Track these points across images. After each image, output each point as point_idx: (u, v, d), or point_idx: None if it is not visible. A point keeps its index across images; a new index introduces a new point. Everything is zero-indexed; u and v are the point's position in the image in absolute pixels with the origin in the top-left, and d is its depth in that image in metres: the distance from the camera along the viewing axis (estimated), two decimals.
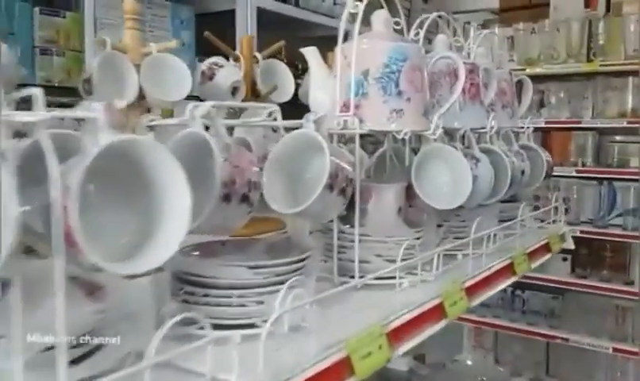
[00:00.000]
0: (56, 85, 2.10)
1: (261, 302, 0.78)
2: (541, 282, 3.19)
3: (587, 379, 3.14)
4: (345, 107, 1.02)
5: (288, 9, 2.66)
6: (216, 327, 0.78)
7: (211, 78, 1.48)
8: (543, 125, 3.26)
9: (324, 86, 1.06)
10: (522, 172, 1.41)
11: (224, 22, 2.36)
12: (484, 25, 3.73)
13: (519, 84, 1.65)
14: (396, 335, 0.85)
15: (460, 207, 1.22)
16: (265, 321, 0.77)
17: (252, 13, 2.44)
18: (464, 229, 1.25)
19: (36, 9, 2.02)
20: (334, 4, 2.91)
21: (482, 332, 3.52)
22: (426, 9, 4.34)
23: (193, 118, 0.74)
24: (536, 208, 1.79)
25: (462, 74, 1.09)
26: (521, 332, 3.28)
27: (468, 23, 1.55)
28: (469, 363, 1.91)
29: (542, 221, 1.70)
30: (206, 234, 0.77)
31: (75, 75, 2.06)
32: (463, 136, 1.25)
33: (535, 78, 3.38)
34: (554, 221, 1.64)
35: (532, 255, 1.39)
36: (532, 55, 3.38)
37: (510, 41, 3.51)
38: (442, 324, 0.97)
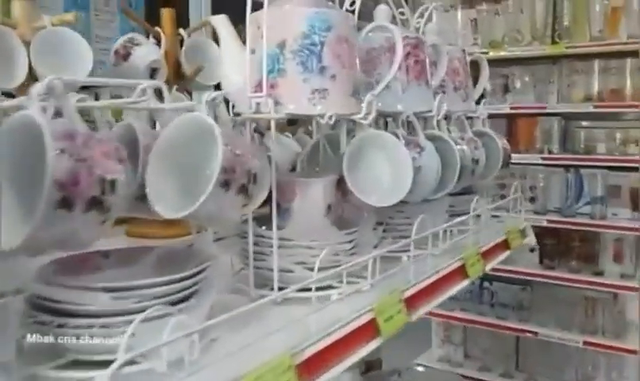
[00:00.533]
0: None
1: (132, 334, 0.61)
2: (509, 274, 3.08)
3: (557, 374, 3.03)
4: (259, 87, 0.85)
5: None
6: (80, 363, 0.63)
7: (126, 57, 1.30)
8: (508, 111, 3.14)
9: (237, 63, 0.89)
10: (476, 161, 1.26)
11: (176, 4, 2.17)
12: (447, 10, 3.60)
13: (475, 65, 1.50)
14: (311, 366, 0.69)
15: (404, 202, 1.07)
16: (142, 356, 0.61)
17: None
18: (408, 227, 1.10)
19: None
20: None
21: (451, 327, 3.40)
22: None
23: (30, 98, 0.56)
24: (502, 197, 1.65)
25: (400, 48, 0.93)
26: (490, 326, 3.16)
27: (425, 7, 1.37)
28: (420, 370, 1.76)
29: (508, 211, 1.56)
30: (50, 250, 0.60)
31: None
32: (407, 122, 1.10)
33: (500, 62, 3.30)
34: (516, 212, 1.50)
35: (488, 254, 1.24)
36: (496, 38, 3.25)
37: (474, 24, 3.38)
38: (375, 343, 0.82)
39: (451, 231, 1.18)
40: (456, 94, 1.35)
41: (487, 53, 3.22)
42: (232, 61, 0.89)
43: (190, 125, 0.69)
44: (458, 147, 1.13)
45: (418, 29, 1.31)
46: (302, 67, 0.84)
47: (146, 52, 1.28)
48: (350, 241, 0.91)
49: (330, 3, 0.90)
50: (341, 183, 0.94)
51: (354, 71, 0.90)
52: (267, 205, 0.93)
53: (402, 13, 1.26)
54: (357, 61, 0.91)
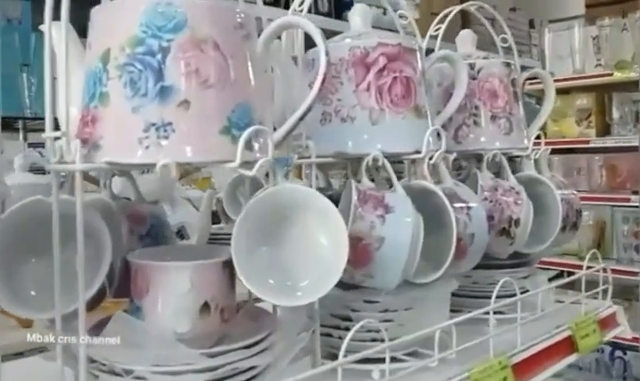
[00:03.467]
0: None
1: None
2: None
3: None
4: (83, 121, 0.56)
5: None
6: None
7: None
8: (638, 143, 2.58)
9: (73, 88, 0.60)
10: (515, 223, 0.86)
11: None
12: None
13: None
14: None
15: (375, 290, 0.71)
16: None
17: None
18: (384, 325, 0.73)
19: None
20: None
21: None
22: (513, 19, 3.77)
23: None
24: None
25: (323, 60, 0.58)
26: None
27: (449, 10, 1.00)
28: None
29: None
30: None
31: None
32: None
33: (629, 86, 2.73)
34: (598, 296, 1.04)
35: (528, 365, 0.82)
36: (624, 58, 2.69)
37: (597, 42, 2.84)
38: None
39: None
40: (493, 126, 0.96)
41: (611, 75, 2.69)
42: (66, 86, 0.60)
43: None
44: (461, 204, 0.74)
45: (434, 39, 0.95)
46: (131, 88, 0.53)
47: None
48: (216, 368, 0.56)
49: None
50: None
51: (240, 94, 0.57)
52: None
53: (403, 17, 0.90)
54: (252, 79, 0.58)
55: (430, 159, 0.75)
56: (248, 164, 0.56)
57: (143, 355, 0.54)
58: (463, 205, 0.75)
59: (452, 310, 0.92)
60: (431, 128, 0.75)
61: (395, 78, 0.75)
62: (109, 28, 0.55)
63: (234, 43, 0.57)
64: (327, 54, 0.59)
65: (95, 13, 0.57)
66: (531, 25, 3.89)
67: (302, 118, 0.60)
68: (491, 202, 0.88)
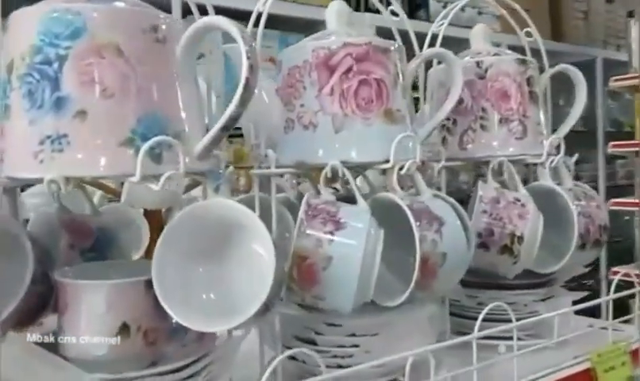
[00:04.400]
0: None
1: None
2: None
3: None
4: None
5: None
6: None
7: None
8: None
9: None
10: (518, 239, 0.76)
11: None
12: None
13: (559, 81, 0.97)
14: None
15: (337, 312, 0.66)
16: None
17: None
18: (348, 351, 0.67)
19: None
20: None
21: None
22: (610, 10, 3.51)
23: None
24: None
25: (245, 64, 0.53)
26: None
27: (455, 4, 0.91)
28: None
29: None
30: None
31: None
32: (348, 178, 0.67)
33: None
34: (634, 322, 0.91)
35: None
36: None
37: None
38: None
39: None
40: (503, 130, 0.86)
41: None
42: None
43: None
44: (431, 221, 0.66)
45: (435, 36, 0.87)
46: (29, 100, 0.51)
47: None
48: None
49: None
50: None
51: (150, 103, 0.53)
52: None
53: (394, 13, 0.83)
54: (168, 86, 0.55)
55: (401, 169, 0.67)
56: (155, 178, 0.52)
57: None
58: (433, 221, 0.66)
59: (458, 332, 0.84)
60: (400, 135, 0.67)
61: (362, 80, 0.68)
62: (14, 36, 0.53)
63: (143, 48, 0.53)
64: (249, 58, 0.54)
65: (10, 20, 0.55)
66: (630, 15, 3.58)
67: (225, 129, 0.55)
68: (490, 215, 0.79)
